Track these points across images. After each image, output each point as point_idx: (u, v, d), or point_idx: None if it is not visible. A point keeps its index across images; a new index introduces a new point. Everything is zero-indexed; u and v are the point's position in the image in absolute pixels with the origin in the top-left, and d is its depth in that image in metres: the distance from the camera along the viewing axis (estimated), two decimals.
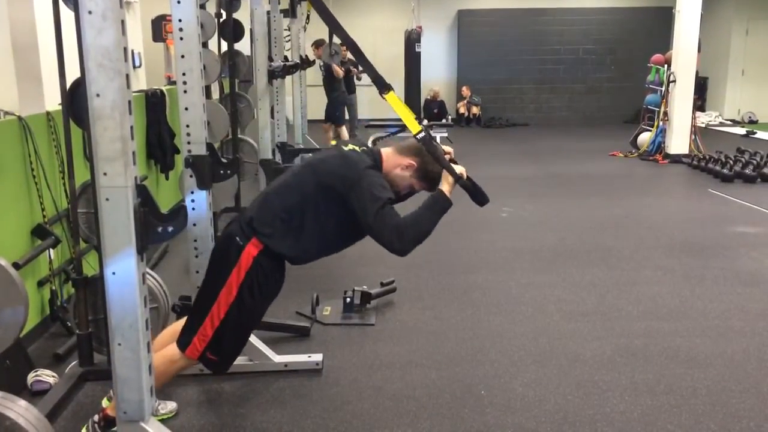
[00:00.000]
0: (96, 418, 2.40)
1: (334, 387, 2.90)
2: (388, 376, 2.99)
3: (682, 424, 2.59)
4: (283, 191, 2.41)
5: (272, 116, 5.78)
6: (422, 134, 2.33)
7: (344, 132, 9.28)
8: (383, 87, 2.35)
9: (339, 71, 8.98)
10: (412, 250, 2.29)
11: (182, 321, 2.54)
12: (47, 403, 2.61)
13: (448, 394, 2.83)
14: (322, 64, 9.15)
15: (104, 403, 2.54)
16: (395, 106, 2.32)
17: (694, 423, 2.59)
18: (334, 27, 2.34)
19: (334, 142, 9.33)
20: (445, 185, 2.35)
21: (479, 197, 2.40)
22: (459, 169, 2.37)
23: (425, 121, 10.21)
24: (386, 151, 2.47)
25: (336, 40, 8.69)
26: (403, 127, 10.12)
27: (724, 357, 3.15)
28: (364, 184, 2.26)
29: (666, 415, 2.64)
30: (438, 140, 9.34)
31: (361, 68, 10.00)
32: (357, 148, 2.45)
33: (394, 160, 2.44)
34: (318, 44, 8.73)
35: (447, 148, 2.47)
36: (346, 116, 9.90)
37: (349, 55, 10.38)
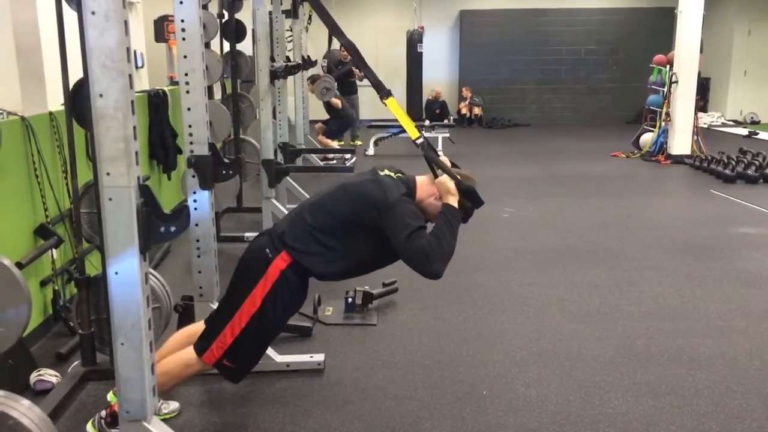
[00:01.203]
0: (103, 413, 2.41)
1: (336, 387, 2.90)
2: (389, 376, 3.00)
3: (684, 424, 2.58)
4: (316, 210, 2.41)
5: (274, 116, 5.78)
6: (421, 140, 2.35)
7: (331, 142, 9.17)
8: (384, 93, 2.35)
9: (338, 103, 8.90)
10: (444, 269, 2.27)
11: (196, 325, 2.54)
12: (50, 402, 2.61)
13: (449, 394, 2.83)
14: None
15: (109, 397, 2.56)
16: (395, 111, 2.33)
17: (696, 424, 2.59)
18: (335, 31, 2.35)
19: (353, 142, 9.29)
20: (449, 197, 2.35)
21: (477, 200, 2.42)
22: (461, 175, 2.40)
23: (426, 122, 10.20)
24: (421, 180, 2.48)
25: (336, 47, 8.67)
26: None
27: (726, 358, 3.15)
28: (397, 211, 2.27)
29: (668, 416, 2.64)
30: (440, 140, 9.37)
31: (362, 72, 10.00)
32: (393, 174, 2.46)
33: (428, 190, 2.45)
34: (313, 80, 8.55)
35: (444, 159, 2.48)
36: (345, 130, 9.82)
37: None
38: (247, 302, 2.31)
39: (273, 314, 2.35)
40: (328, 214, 2.38)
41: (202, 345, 2.37)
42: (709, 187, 7.19)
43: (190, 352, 2.38)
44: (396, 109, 2.35)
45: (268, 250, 2.34)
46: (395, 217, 2.26)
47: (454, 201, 2.35)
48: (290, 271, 2.33)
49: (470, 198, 2.40)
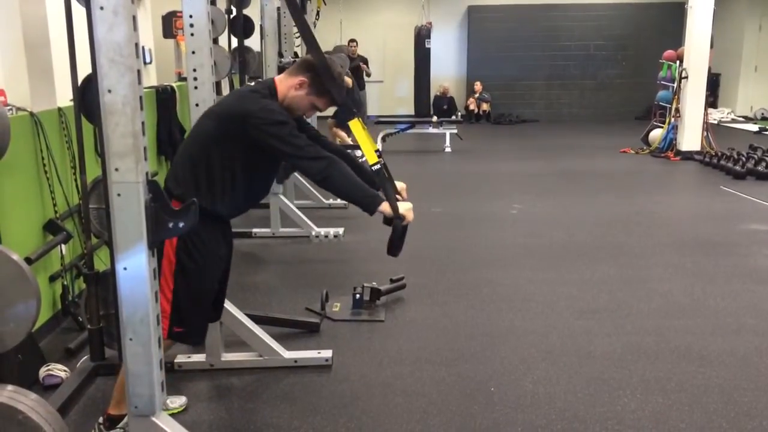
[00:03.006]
0: (100, 419, 2.41)
1: (343, 383, 2.90)
2: (397, 372, 2.99)
3: (693, 422, 2.57)
4: (186, 147, 2.38)
5: None
6: (378, 167, 2.33)
7: (344, 134, 9.18)
8: (350, 114, 2.35)
9: (349, 82, 8.90)
10: (322, 186, 2.33)
11: None
12: (59, 397, 2.63)
13: (457, 391, 2.82)
14: None
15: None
16: (357, 133, 2.32)
17: (706, 421, 2.57)
18: (312, 47, 2.33)
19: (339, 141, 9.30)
20: (386, 205, 2.31)
21: (394, 246, 2.37)
22: (407, 212, 2.33)
23: (434, 118, 10.18)
24: (278, 77, 2.44)
25: (342, 40, 8.68)
26: (413, 124, 10.11)
27: (736, 355, 3.13)
28: (260, 114, 2.24)
29: (677, 414, 2.63)
30: (448, 136, 9.35)
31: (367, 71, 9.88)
32: (252, 83, 2.43)
33: (286, 83, 2.38)
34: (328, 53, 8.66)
35: (400, 185, 2.45)
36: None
37: (359, 52, 10.38)
38: (164, 265, 2.28)
39: (193, 264, 2.30)
40: (196, 144, 2.34)
41: None
42: (718, 183, 7.14)
43: None
44: (358, 131, 2.34)
45: None
46: (259, 121, 2.23)
47: (384, 209, 2.30)
48: None
49: (391, 239, 2.35)
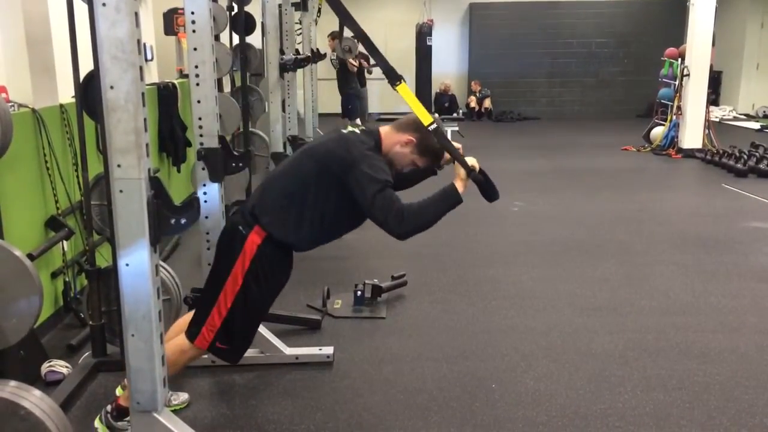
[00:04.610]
0: (108, 408, 2.42)
1: (344, 380, 2.90)
2: (398, 369, 3.00)
3: (694, 419, 2.57)
4: (283, 178, 2.40)
5: (283, 109, 5.77)
6: (434, 126, 2.32)
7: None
8: (395, 78, 2.33)
9: (353, 64, 8.95)
10: (412, 236, 2.29)
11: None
12: (61, 393, 2.63)
13: (458, 387, 2.83)
14: (334, 57, 9.11)
15: (118, 392, 2.57)
16: (407, 97, 2.30)
17: (706, 418, 2.57)
18: (346, 19, 2.33)
19: None
20: (458, 181, 2.32)
21: (490, 192, 2.37)
22: (471, 161, 2.35)
23: (436, 115, 10.19)
24: (385, 130, 2.45)
25: (347, 33, 8.67)
26: None
27: (737, 352, 3.13)
28: (363, 167, 2.24)
29: (678, 411, 2.63)
30: (449, 135, 9.35)
31: (372, 62, 9.95)
32: (357, 129, 2.44)
33: (393, 138, 2.42)
34: (334, 36, 8.67)
35: (456, 144, 2.44)
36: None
37: (361, 48, 10.35)
38: (229, 282, 2.30)
39: (257, 290, 2.33)
40: (294, 179, 2.35)
41: (193, 330, 2.36)
42: (720, 181, 7.14)
43: (183, 339, 2.38)
44: (408, 94, 2.33)
45: (241, 227, 2.32)
46: (362, 173, 2.22)
47: (461, 186, 2.32)
48: (266, 244, 2.31)
49: (483, 189, 2.36)
